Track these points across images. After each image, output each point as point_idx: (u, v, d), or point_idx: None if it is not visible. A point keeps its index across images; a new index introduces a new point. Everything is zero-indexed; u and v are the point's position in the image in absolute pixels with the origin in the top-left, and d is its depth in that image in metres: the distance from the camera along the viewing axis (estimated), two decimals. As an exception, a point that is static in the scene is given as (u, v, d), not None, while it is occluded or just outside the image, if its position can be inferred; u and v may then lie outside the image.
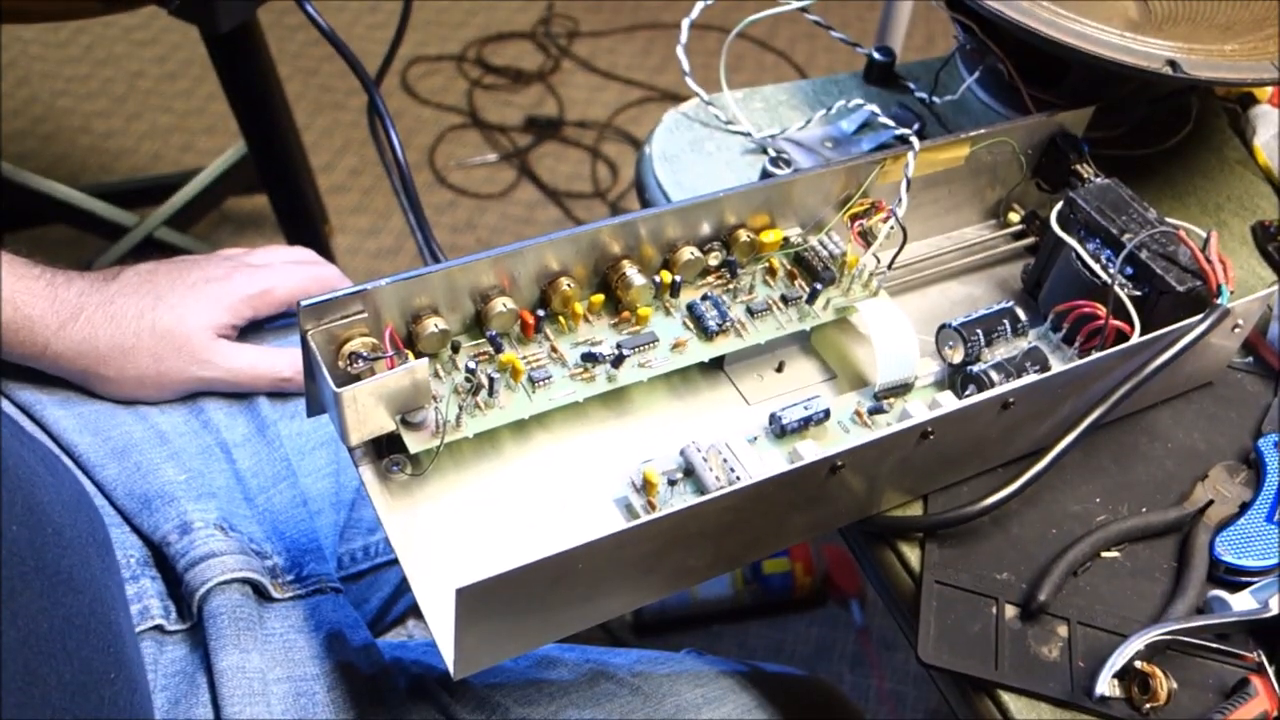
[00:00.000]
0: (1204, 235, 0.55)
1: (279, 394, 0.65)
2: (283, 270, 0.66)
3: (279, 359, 0.64)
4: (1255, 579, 0.50)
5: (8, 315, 0.56)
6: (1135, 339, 0.52)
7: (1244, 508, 0.53)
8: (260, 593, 0.55)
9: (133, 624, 0.52)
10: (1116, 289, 0.54)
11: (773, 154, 0.65)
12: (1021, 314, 0.55)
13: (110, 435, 0.59)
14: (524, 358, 0.51)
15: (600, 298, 0.53)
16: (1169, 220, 0.56)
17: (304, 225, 1.39)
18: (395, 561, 0.69)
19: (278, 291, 0.65)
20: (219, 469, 0.61)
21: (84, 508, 0.51)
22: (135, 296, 0.60)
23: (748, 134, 0.70)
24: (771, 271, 0.57)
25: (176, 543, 0.54)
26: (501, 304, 0.51)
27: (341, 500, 0.66)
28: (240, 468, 0.62)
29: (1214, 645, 0.48)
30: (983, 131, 0.60)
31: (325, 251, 1.45)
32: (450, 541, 0.48)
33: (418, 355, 0.50)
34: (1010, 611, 0.49)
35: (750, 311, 0.55)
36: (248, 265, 0.66)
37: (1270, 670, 0.47)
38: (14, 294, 0.56)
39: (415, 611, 0.76)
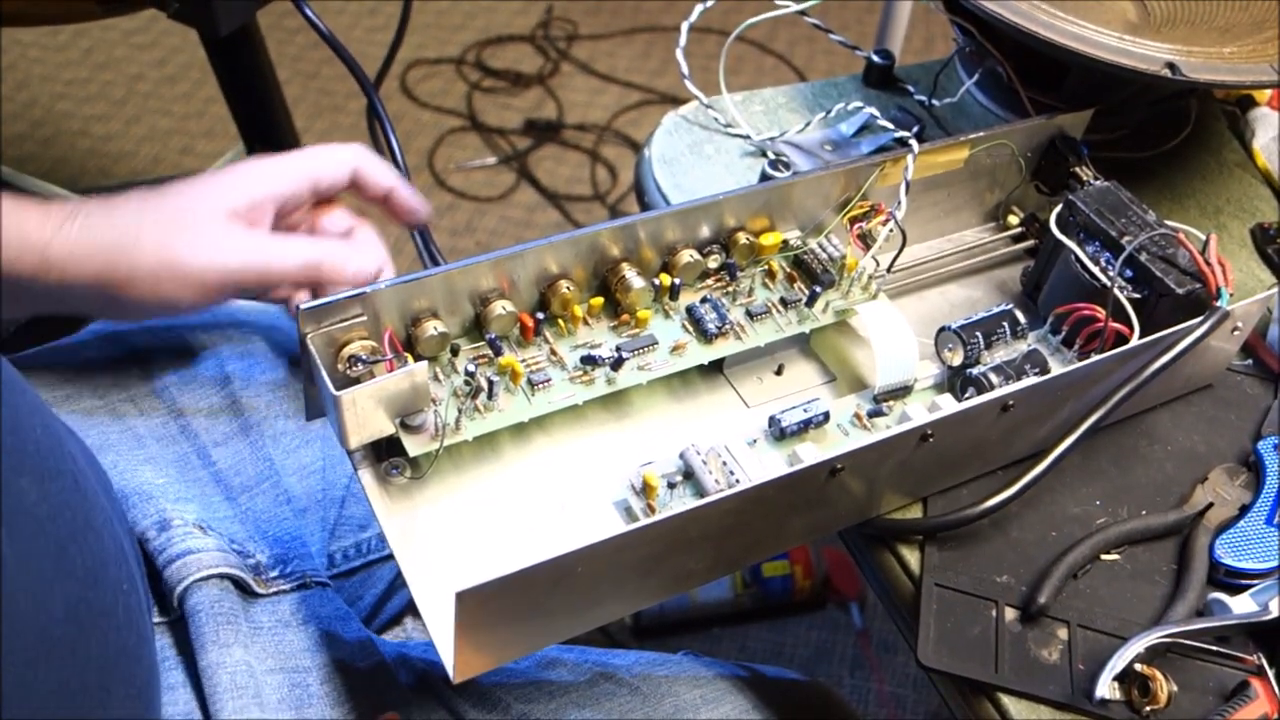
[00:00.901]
0: (1203, 238, 0.55)
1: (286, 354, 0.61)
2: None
3: (314, 245, 0.56)
4: (1255, 581, 0.50)
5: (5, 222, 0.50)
6: (1135, 341, 0.52)
7: (1244, 510, 0.53)
8: (243, 588, 0.55)
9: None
10: (1116, 291, 0.54)
11: (772, 157, 0.65)
12: (1021, 316, 0.55)
13: (87, 435, 0.59)
14: (523, 360, 0.51)
15: (600, 300, 0.53)
16: (1168, 223, 0.56)
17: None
18: (388, 558, 0.69)
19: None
20: (195, 476, 0.60)
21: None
22: (137, 192, 0.54)
23: (747, 137, 0.70)
24: (771, 274, 0.57)
25: (155, 539, 0.54)
26: (501, 307, 0.51)
27: (331, 497, 0.66)
28: (221, 468, 0.61)
29: (1214, 648, 0.48)
30: (982, 134, 0.60)
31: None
32: (450, 545, 0.48)
33: (417, 358, 0.50)
34: (1010, 614, 0.49)
35: (749, 314, 0.55)
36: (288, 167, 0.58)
37: (1270, 673, 0.47)
38: (3, 202, 0.51)
39: (411, 609, 0.75)
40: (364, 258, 0.56)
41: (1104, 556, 0.52)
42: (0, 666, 0.35)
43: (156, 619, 0.53)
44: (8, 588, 0.36)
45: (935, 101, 0.73)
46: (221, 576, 0.54)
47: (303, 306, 0.46)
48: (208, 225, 0.53)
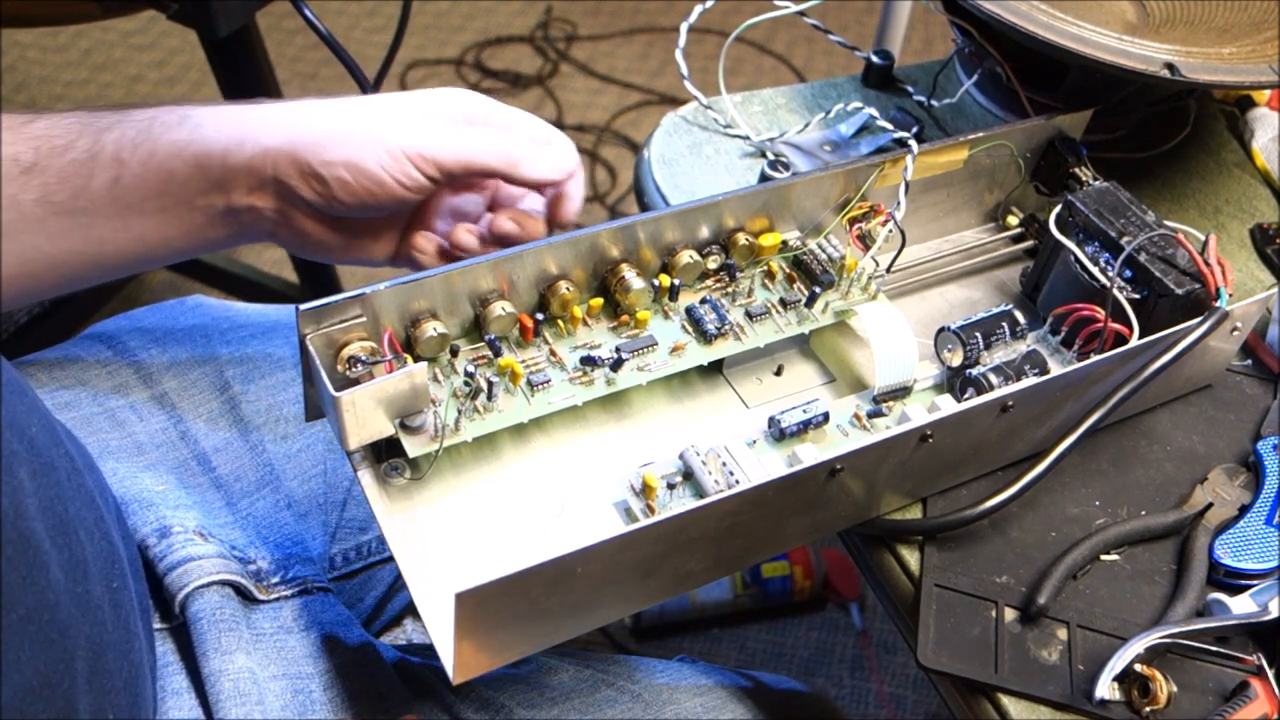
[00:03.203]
0: (1202, 238, 0.55)
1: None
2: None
3: (512, 140, 0.54)
4: (1255, 582, 0.50)
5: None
6: (1134, 342, 0.52)
7: (1243, 510, 0.53)
8: (244, 595, 0.55)
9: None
10: (1115, 292, 0.54)
11: (771, 157, 0.65)
12: (1020, 317, 0.55)
13: (86, 442, 0.59)
14: (523, 361, 0.51)
15: (599, 301, 0.53)
16: (1167, 223, 0.56)
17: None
18: (388, 560, 0.69)
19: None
20: (196, 483, 0.60)
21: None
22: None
23: (746, 137, 0.70)
24: (770, 275, 0.57)
25: (155, 546, 0.54)
26: (500, 308, 0.51)
27: (332, 501, 0.66)
28: (221, 474, 0.61)
29: (1214, 648, 0.48)
30: (981, 135, 0.60)
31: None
32: (449, 545, 0.48)
33: (416, 359, 0.50)
34: (1010, 615, 0.49)
35: (749, 315, 0.55)
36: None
37: (1270, 673, 0.47)
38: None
39: (411, 610, 0.75)
40: (558, 159, 0.55)
41: (1104, 557, 0.52)
42: None
43: (158, 625, 0.53)
44: (2, 567, 0.37)
45: (934, 102, 0.73)
46: (222, 583, 0.54)
47: (301, 308, 0.46)
48: (411, 111, 0.53)
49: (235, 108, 0.52)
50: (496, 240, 0.55)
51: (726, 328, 0.54)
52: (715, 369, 0.56)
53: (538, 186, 0.56)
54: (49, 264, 0.51)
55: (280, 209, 0.53)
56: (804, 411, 0.51)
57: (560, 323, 0.53)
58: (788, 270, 0.57)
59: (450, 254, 0.56)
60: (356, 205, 0.52)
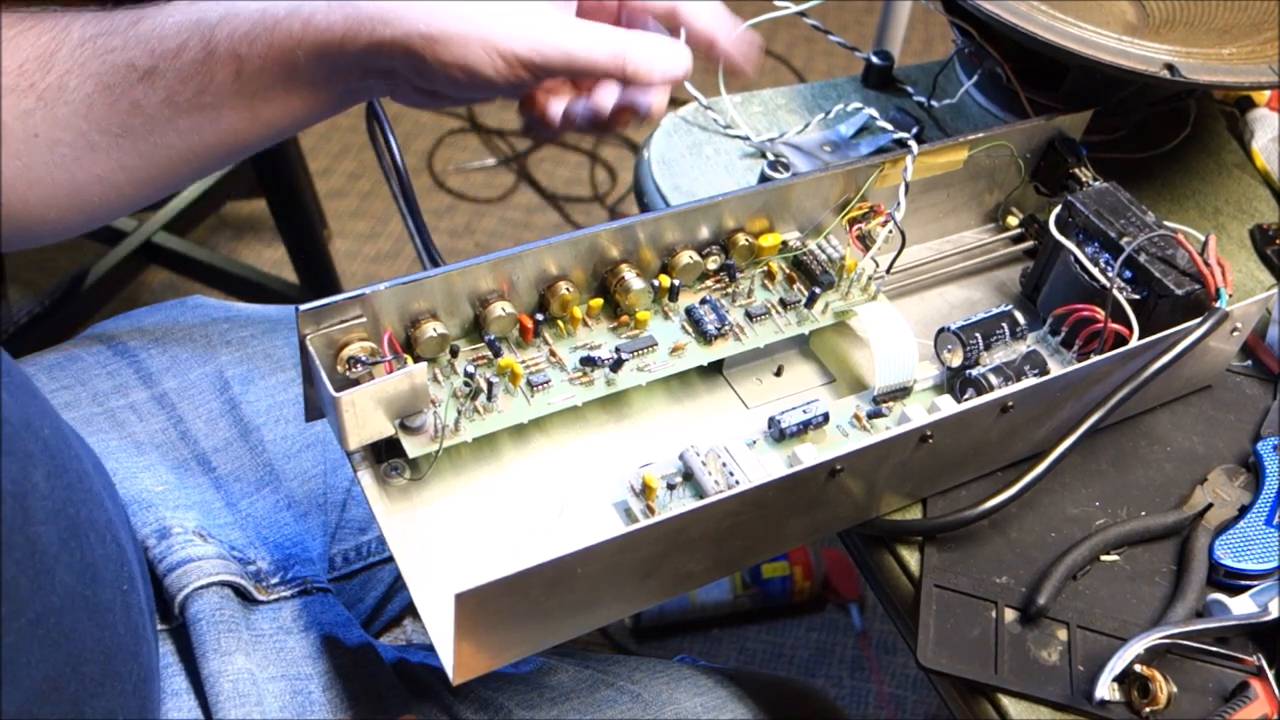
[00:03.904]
0: (1202, 239, 0.55)
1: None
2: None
3: (624, 36, 0.52)
4: (1255, 582, 0.50)
5: None
6: (1134, 342, 0.52)
7: (1243, 511, 0.53)
8: (244, 596, 0.55)
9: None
10: (1115, 292, 0.54)
11: (771, 158, 0.65)
12: (1020, 317, 0.55)
13: (86, 444, 0.59)
14: (523, 362, 0.51)
15: (599, 302, 0.53)
16: (1167, 224, 0.56)
17: (302, 230, 1.39)
18: (388, 560, 0.69)
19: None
20: (195, 483, 0.60)
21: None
22: None
23: (746, 138, 0.70)
24: (770, 275, 0.57)
25: (155, 547, 0.54)
26: (500, 308, 0.51)
27: (332, 501, 0.66)
28: (221, 474, 0.61)
29: (1214, 649, 0.48)
30: (981, 135, 0.60)
31: (324, 256, 1.45)
32: (449, 546, 0.48)
33: (416, 360, 0.50)
34: (1010, 615, 0.49)
35: (749, 315, 0.55)
36: None
37: (1270, 674, 0.47)
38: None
39: (411, 611, 0.75)
40: (672, 58, 0.53)
41: (1103, 557, 0.52)
42: None
43: (158, 626, 0.53)
44: (12, 570, 0.36)
45: (934, 103, 0.73)
46: (222, 584, 0.54)
47: (302, 308, 0.46)
48: (526, 9, 0.51)
49: None
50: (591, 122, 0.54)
51: (726, 328, 0.54)
52: (715, 369, 0.56)
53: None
54: (184, 158, 0.52)
55: (398, 85, 0.53)
56: (804, 412, 0.51)
57: (560, 323, 0.53)
58: (787, 271, 0.57)
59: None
60: (468, 98, 0.53)
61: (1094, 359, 0.50)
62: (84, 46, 0.49)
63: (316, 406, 0.50)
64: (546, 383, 0.51)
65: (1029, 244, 0.64)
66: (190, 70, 0.49)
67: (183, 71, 0.49)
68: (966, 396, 0.52)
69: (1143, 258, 0.55)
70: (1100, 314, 0.54)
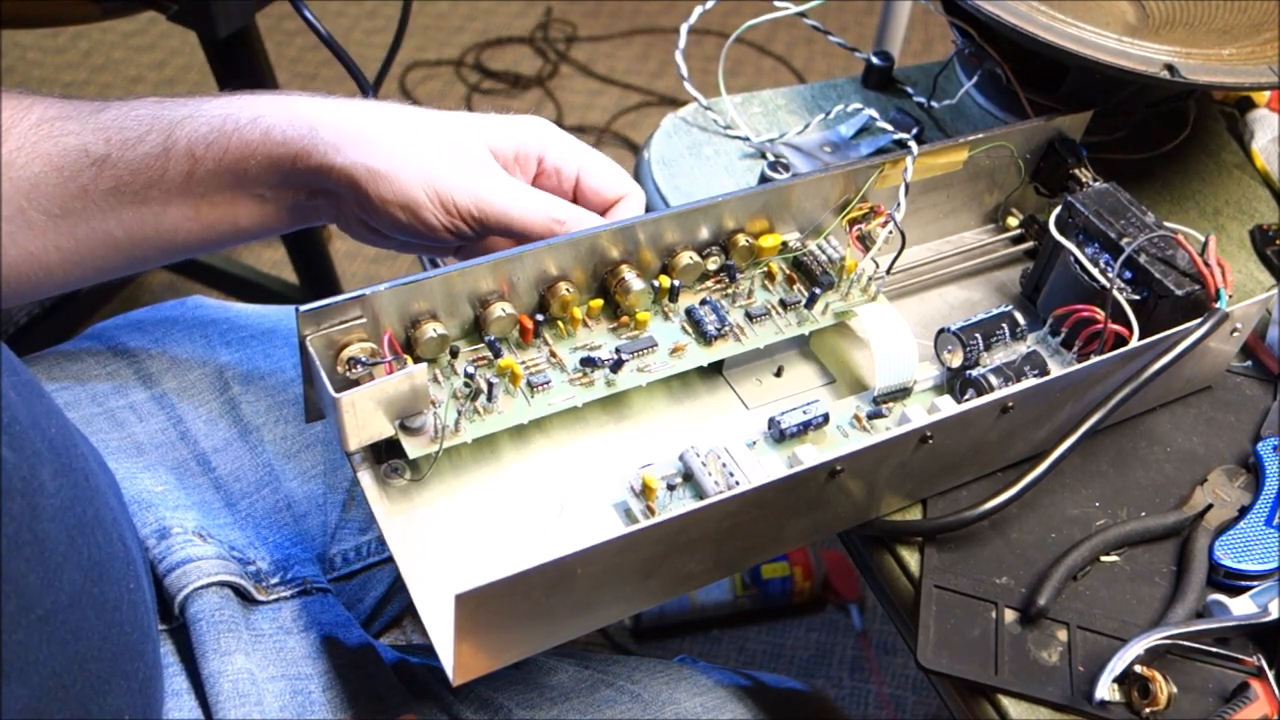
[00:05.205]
0: (1202, 239, 0.55)
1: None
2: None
3: (561, 207, 0.53)
4: (1255, 583, 0.50)
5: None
6: (1134, 343, 0.52)
7: (1243, 511, 0.53)
8: (243, 596, 0.55)
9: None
10: (1115, 293, 0.54)
11: (771, 158, 0.65)
12: (1020, 318, 0.55)
13: (91, 443, 0.59)
14: (523, 362, 0.51)
15: (599, 302, 0.53)
16: (1167, 224, 0.56)
17: (302, 230, 1.39)
18: (388, 560, 0.69)
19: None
20: (195, 484, 0.60)
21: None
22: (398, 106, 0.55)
23: (746, 138, 0.70)
24: (770, 276, 0.57)
25: (155, 547, 0.54)
26: (500, 309, 0.51)
27: (332, 501, 0.66)
28: (221, 474, 0.61)
29: (1214, 649, 0.48)
30: (981, 136, 0.60)
31: (324, 256, 1.45)
32: (449, 547, 0.48)
33: (416, 360, 0.50)
34: (1010, 616, 0.49)
35: (749, 316, 0.55)
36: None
37: (1270, 674, 0.47)
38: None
39: (411, 611, 0.75)
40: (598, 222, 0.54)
41: (1103, 558, 0.52)
42: (1, 638, 0.35)
43: (159, 626, 0.53)
44: (20, 567, 0.36)
45: (934, 103, 0.73)
46: (221, 584, 0.54)
47: (301, 309, 0.46)
48: (475, 159, 0.52)
49: (305, 106, 0.52)
50: None
51: (726, 329, 0.54)
52: (715, 370, 0.56)
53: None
54: (119, 247, 0.53)
55: (343, 213, 0.54)
56: (804, 413, 0.51)
57: (560, 324, 0.53)
58: (787, 271, 0.57)
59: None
60: (409, 244, 0.54)
61: (1094, 360, 0.50)
62: (40, 127, 0.50)
63: (316, 407, 0.50)
64: (546, 383, 0.51)
65: (1029, 244, 0.64)
66: (143, 163, 0.50)
67: (135, 163, 0.50)
68: (966, 397, 0.52)
69: (1143, 258, 0.55)
70: (1100, 315, 0.54)
